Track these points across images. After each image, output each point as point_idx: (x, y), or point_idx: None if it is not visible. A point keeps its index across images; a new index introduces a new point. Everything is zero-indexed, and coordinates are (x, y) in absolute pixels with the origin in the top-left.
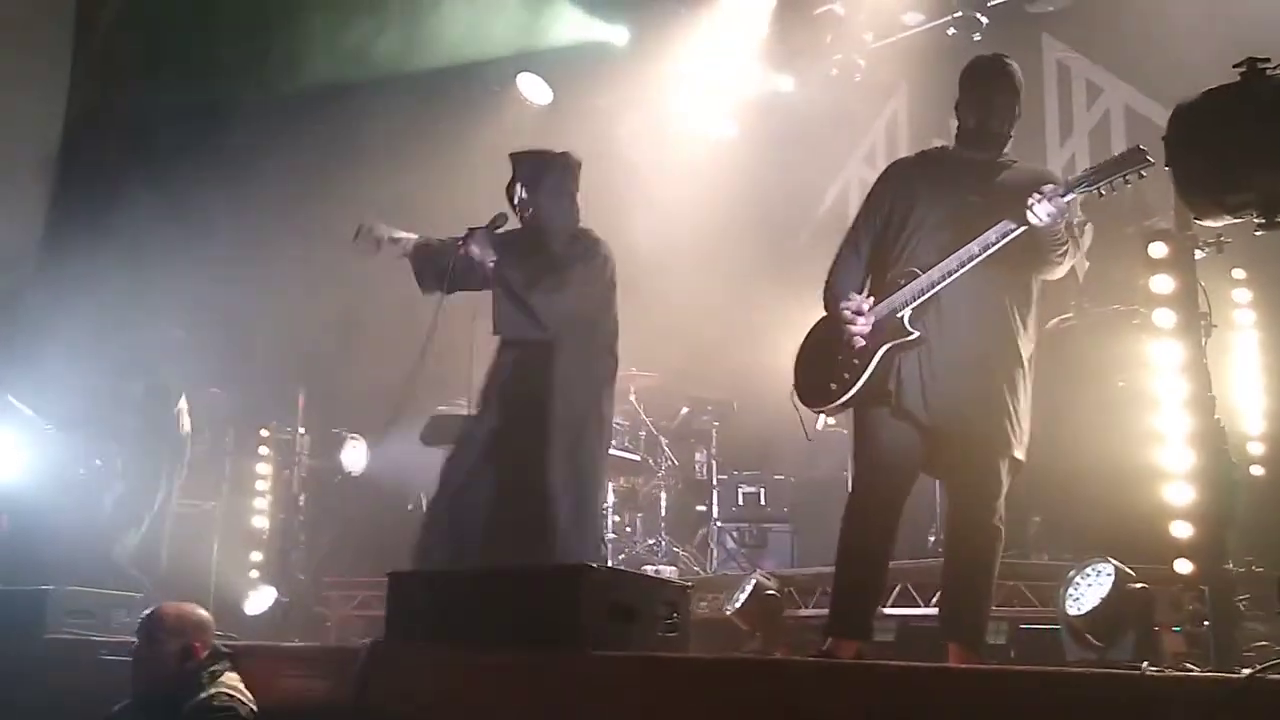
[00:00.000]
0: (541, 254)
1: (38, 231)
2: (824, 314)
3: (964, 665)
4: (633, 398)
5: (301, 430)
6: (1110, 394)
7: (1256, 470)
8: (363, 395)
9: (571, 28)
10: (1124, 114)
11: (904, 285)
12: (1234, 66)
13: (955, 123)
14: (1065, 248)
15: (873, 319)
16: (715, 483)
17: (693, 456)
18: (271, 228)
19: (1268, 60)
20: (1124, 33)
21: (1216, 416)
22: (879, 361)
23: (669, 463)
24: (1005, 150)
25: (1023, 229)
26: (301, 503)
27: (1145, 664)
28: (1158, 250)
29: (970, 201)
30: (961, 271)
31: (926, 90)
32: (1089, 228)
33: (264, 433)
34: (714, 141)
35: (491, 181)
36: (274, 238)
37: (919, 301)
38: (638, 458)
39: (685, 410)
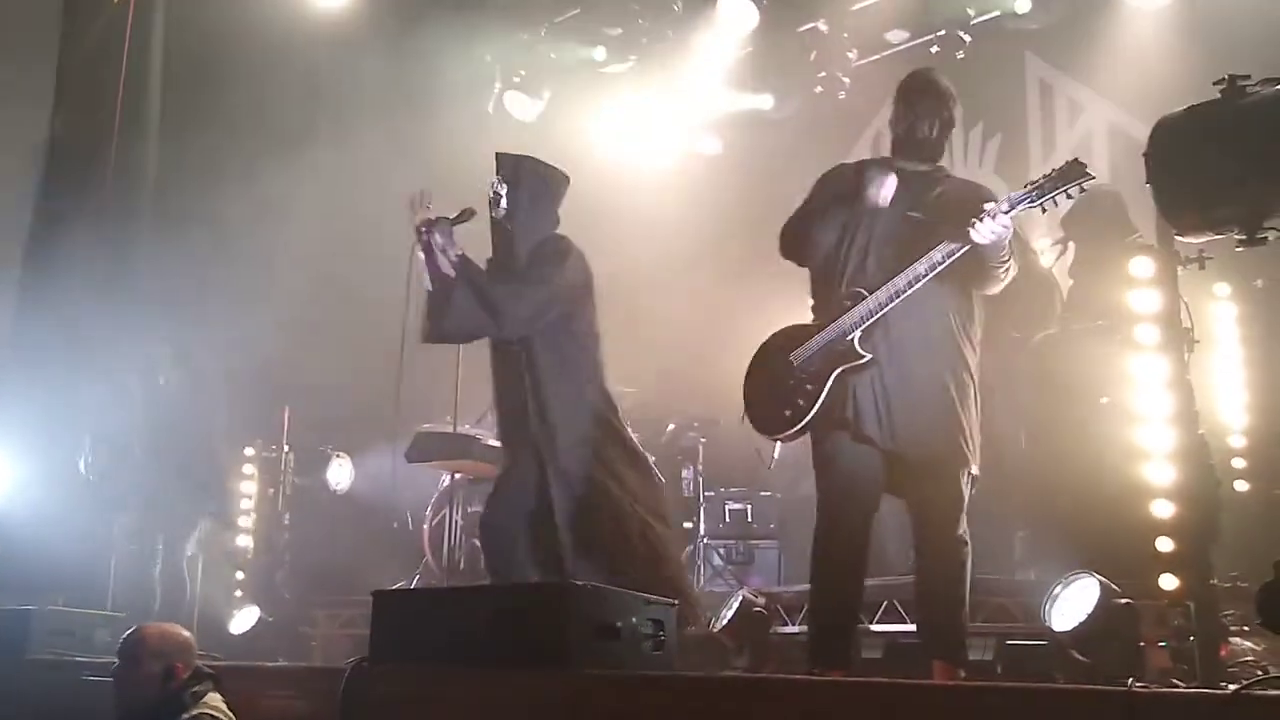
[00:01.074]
0: (508, 256)
1: (20, 244)
2: (768, 338)
3: (952, 682)
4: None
5: (286, 448)
6: (1094, 410)
7: (1241, 485)
8: (348, 413)
9: (556, 47)
10: (1106, 131)
11: (850, 307)
12: (1214, 84)
13: (890, 138)
14: (1007, 264)
15: (810, 362)
16: (702, 500)
17: (679, 473)
18: (258, 243)
19: (1248, 77)
20: (1106, 51)
21: (1200, 431)
22: (832, 386)
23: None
24: (940, 163)
25: (967, 248)
26: (286, 521)
27: (1131, 680)
28: (1140, 266)
29: (911, 218)
30: (909, 292)
31: None
32: (1071, 245)
33: (249, 451)
34: (699, 158)
35: (483, 198)
36: (260, 254)
37: (867, 324)
38: None
39: (672, 427)
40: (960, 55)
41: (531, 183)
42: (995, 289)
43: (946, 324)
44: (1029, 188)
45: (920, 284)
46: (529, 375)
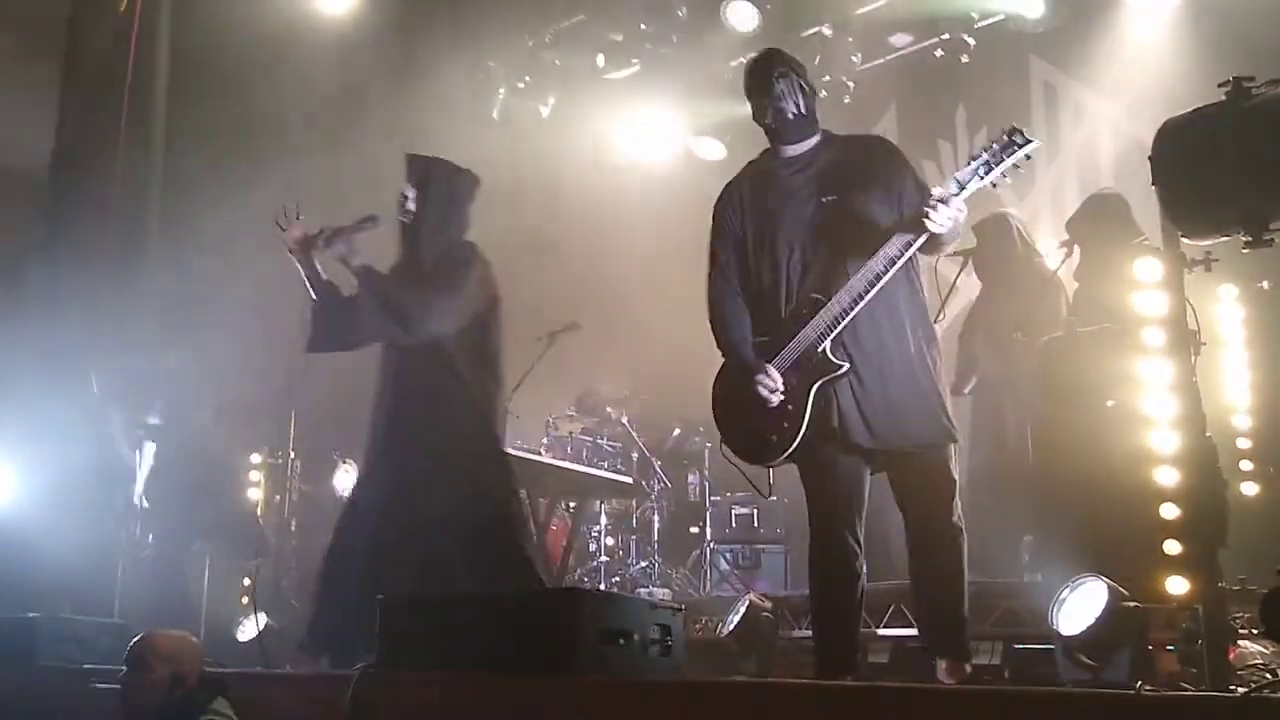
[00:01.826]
0: (414, 260)
1: (29, 254)
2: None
3: (958, 686)
4: (624, 420)
5: (293, 454)
6: (1101, 413)
7: (1248, 488)
8: (355, 419)
9: (560, 53)
10: (1111, 134)
11: (809, 317)
12: (1219, 85)
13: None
14: (958, 238)
15: (783, 379)
16: (708, 504)
17: (685, 478)
18: (265, 251)
19: (1252, 79)
20: (1110, 53)
21: (1208, 434)
22: (814, 402)
23: (662, 485)
24: (817, 128)
25: (925, 237)
26: (293, 528)
27: (1140, 684)
28: (1146, 269)
29: (826, 202)
30: (873, 293)
31: (915, 111)
32: (1076, 248)
33: (255, 458)
34: (703, 163)
35: (490, 201)
36: (267, 261)
37: (836, 331)
38: (630, 480)
39: (677, 432)
40: (964, 59)
41: (440, 186)
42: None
43: (895, 305)
44: (974, 163)
45: (882, 282)
46: (442, 383)
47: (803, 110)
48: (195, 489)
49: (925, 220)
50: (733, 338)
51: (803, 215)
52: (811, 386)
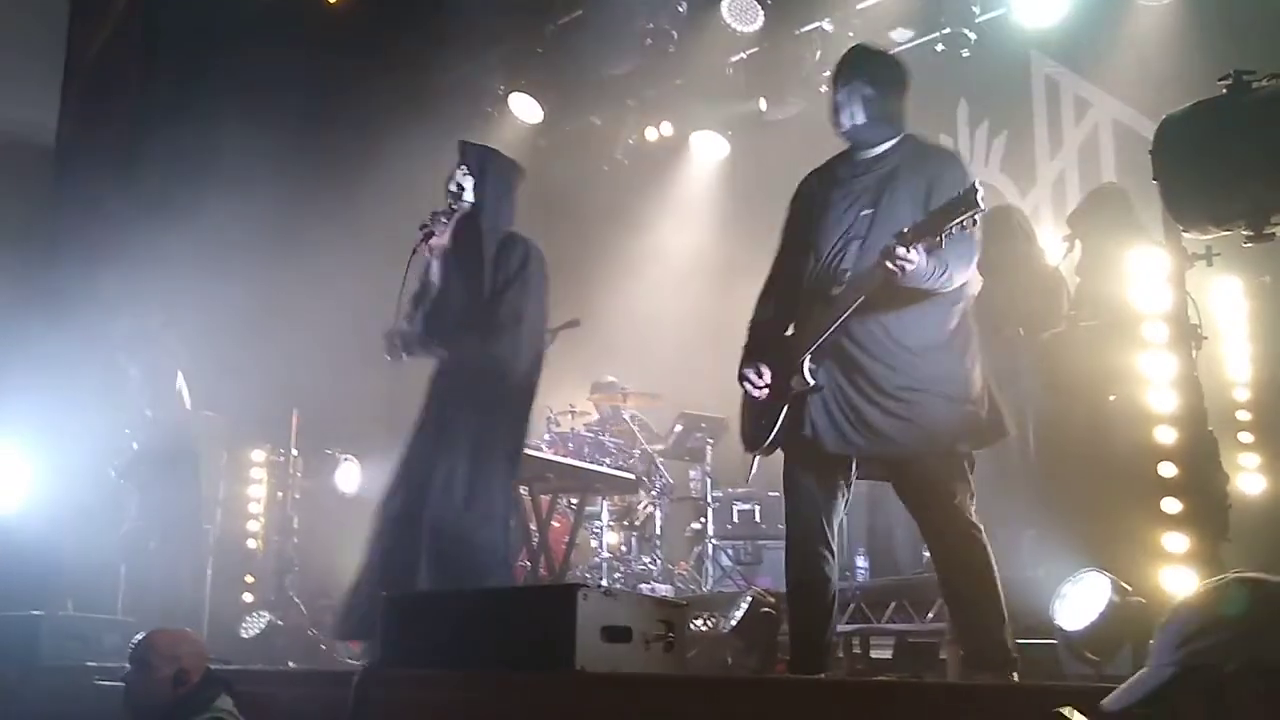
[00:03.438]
0: (473, 253)
1: (32, 252)
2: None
3: (960, 681)
4: (627, 416)
5: (295, 452)
6: (1102, 407)
7: (1250, 481)
8: (356, 415)
9: (561, 49)
10: (1112, 129)
11: (806, 324)
12: (1219, 80)
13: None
14: (945, 274)
15: (772, 378)
16: (710, 500)
17: (687, 474)
18: (265, 247)
19: (1253, 73)
20: (1112, 48)
21: (1209, 429)
22: (788, 410)
23: (663, 481)
24: (900, 131)
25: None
26: (295, 525)
27: None
28: (1147, 263)
29: (862, 217)
30: (845, 316)
31: (916, 106)
32: (1078, 243)
33: (257, 455)
34: (704, 159)
35: None
36: (267, 257)
37: (815, 345)
38: (632, 476)
39: (679, 428)
40: (965, 53)
41: (497, 175)
42: (947, 289)
43: (916, 318)
44: (923, 224)
45: (848, 311)
46: (480, 390)
47: (863, 120)
48: (158, 479)
49: (884, 264)
50: (750, 326)
51: (840, 221)
52: (788, 394)
